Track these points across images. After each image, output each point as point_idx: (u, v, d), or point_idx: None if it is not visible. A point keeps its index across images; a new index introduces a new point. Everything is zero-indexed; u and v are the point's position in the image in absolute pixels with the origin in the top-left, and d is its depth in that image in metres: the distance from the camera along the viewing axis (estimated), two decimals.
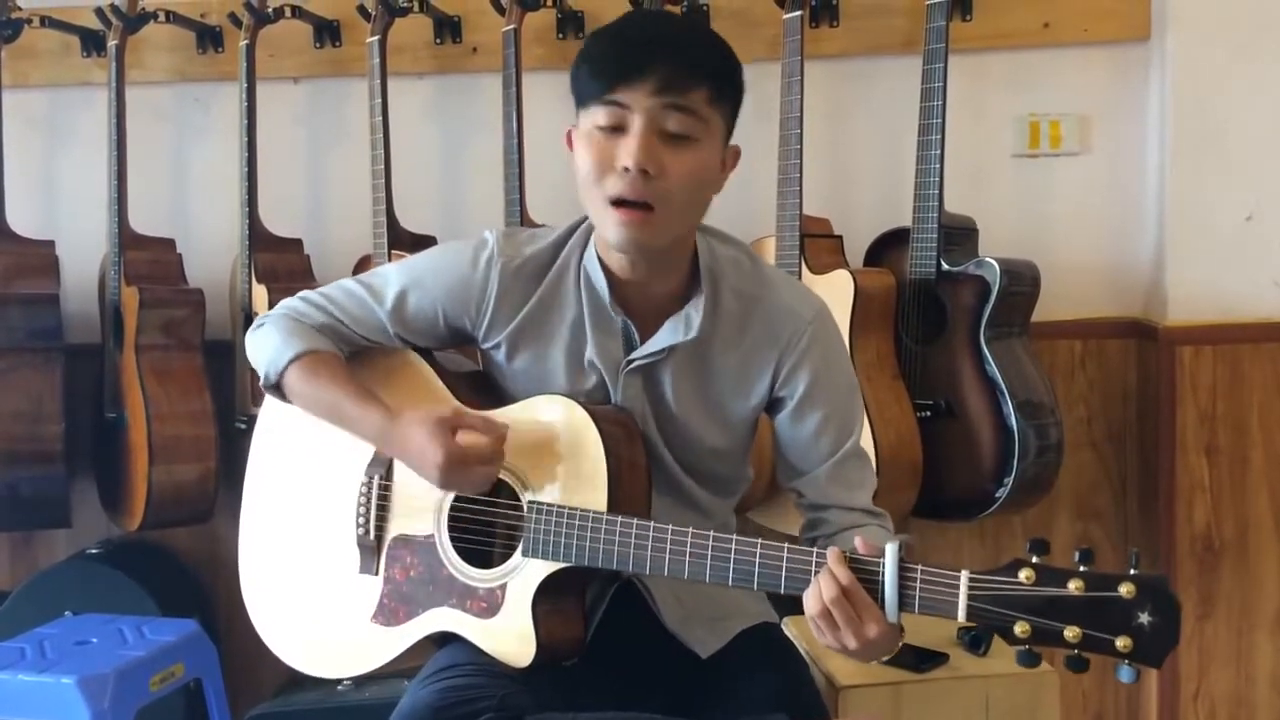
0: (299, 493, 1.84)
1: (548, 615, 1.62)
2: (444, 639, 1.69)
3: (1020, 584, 1.39)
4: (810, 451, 1.70)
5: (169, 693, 2.31)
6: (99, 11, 2.80)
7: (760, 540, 1.51)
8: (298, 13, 2.81)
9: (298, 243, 2.86)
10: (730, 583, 1.51)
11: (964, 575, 1.41)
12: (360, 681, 2.51)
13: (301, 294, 1.79)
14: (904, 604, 1.44)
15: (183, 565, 3.00)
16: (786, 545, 1.50)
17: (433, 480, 1.63)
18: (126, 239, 2.76)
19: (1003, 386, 2.44)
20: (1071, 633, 1.37)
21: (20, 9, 2.83)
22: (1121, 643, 1.35)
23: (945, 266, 2.50)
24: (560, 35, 2.81)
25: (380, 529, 1.75)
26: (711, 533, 1.54)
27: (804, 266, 2.50)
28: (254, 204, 2.77)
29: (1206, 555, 2.67)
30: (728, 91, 1.58)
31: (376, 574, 1.74)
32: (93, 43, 2.93)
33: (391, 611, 1.72)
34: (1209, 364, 2.65)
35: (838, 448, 1.70)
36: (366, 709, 2.47)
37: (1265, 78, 2.63)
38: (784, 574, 1.49)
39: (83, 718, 2.10)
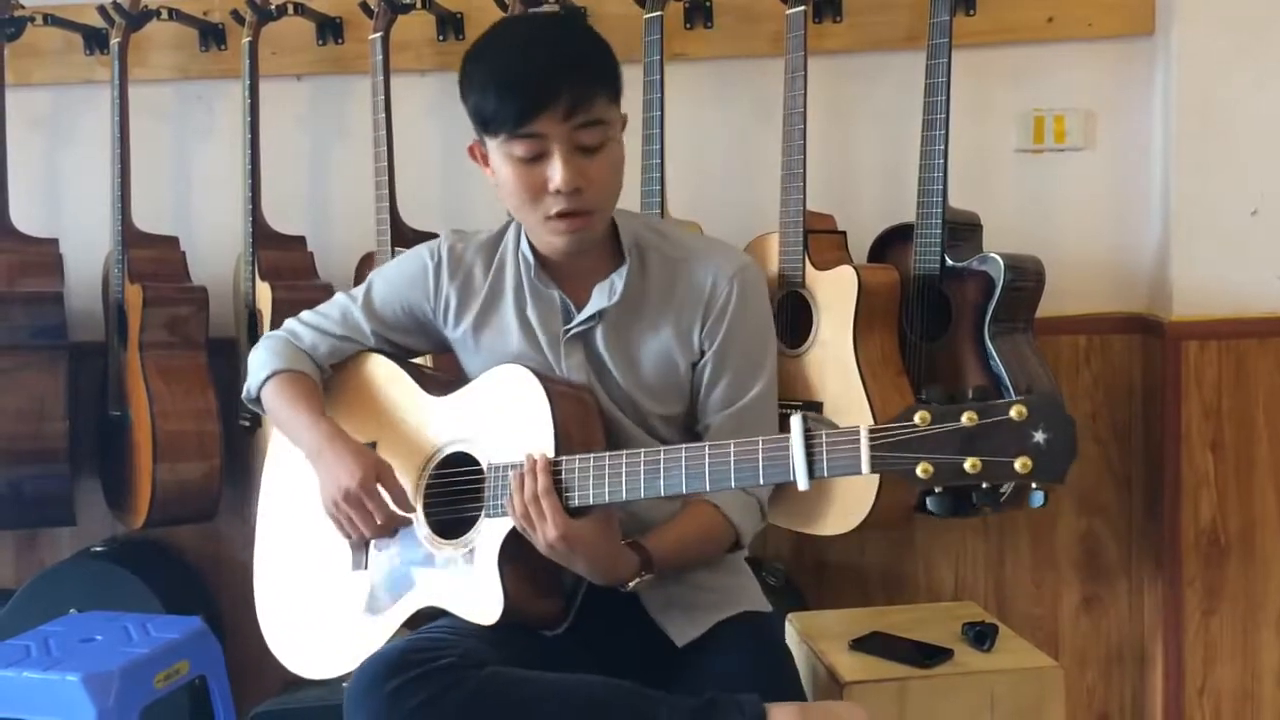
0: (299, 507, 1.88)
1: (514, 571, 1.66)
2: (428, 619, 1.72)
3: (916, 427, 1.40)
4: (711, 399, 1.80)
5: (174, 690, 2.31)
6: (102, 9, 2.80)
7: (707, 443, 1.57)
8: (300, 10, 2.81)
9: (301, 240, 2.86)
10: (685, 489, 1.56)
11: (863, 428, 1.43)
12: None
13: (301, 313, 1.94)
14: (814, 471, 1.47)
15: (187, 563, 3.00)
16: (732, 444, 1.54)
17: (330, 494, 1.73)
18: (130, 237, 2.76)
19: (1007, 382, 2.44)
20: (971, 464, 1.37)
21: (23, 7, 2.83)
22: (1020, 464, 1.36)
23: (949, 262, 2.50)
24: None
25: None
26: (657, 448, 1.59)
27: (808, 263, 2.50)
28: (257, 201, 2.77)
29: (1212, 551, 2.67)
30: (617, 85, 1.70)
31: (366, 569, 1.79)
32: (95, 41, 2.93)
33: (379, 601, 1.77)
34: (1214, 359, 2.65)
35: (736, 400, 1.79)
36: None
37: (1270, 72, 2.62)
38: (732, 466, 1.53)
39: (88, 715, 2.11)
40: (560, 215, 1.68)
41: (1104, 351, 2.81)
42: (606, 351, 1.78)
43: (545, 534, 1.59)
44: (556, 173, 1.64)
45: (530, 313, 1.80)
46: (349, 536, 1.77)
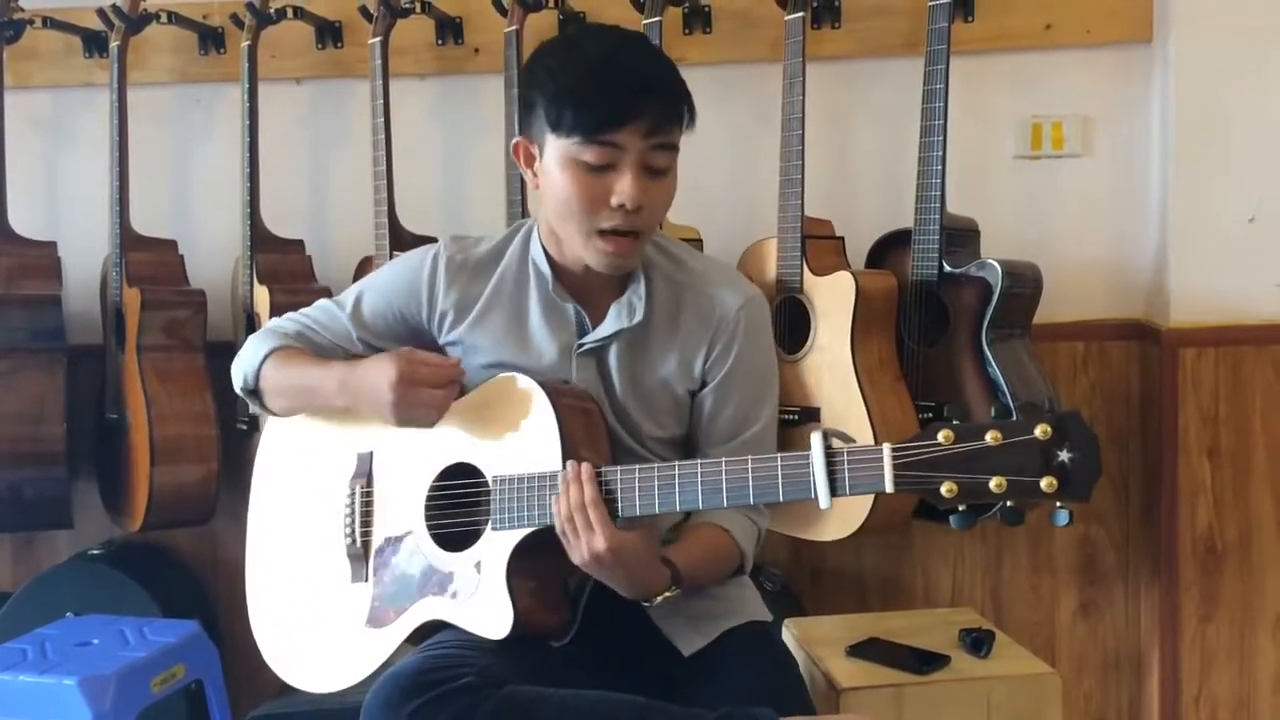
0: (294, 517, 1.88)
1: (522, 584, 1.64)
2: (431, 632, 1.71)
3: (940, 445, 1.40)
4: (714, 431, 1.79)
5: (170, 694, 2.31)
6: (101, 12, 2.80)
7: (724, 459, 1.55)
8: (300, 14, 2.81)
9: (299, 244, 2.86)
10: (701, 502, 1.55)
11: (886, 447, 1.43)
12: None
13: (285, 314, 1.91)
14: (835, 488, 1.46)
15: (184, 566, 3.00)
16: (750, 460, 1.53)
17: (385, 404, 1.68)
18: (128, 240, 2.76)
19: (1004, 388, 2.44)
20: (996, 483, 1.38)
21: (22, 10, 2.83)
22: (1046, 483, 1.36)
23: (947, 268, 2.50)
24: None
25: (366, 536, 1.79)
26: (674, 463, 1.58)
27: (805, 268, 2.50)
28: (256, 205, 2.77)
29: (1208, 557, 2.67)
30: (692, 117, 1.69)
31: (366, 581, 1.78)
32: (95, 44, 2.93)
33: (382, 614, 1.75)
34: (1211, 366, 2.65)
35: (738, 433, 1.79)
36: None
37: (1268, 79, 2.62)
38: (750, 483, 1.53)
39: (84, 719, 2.11)
40: (612, 232, 1.65)
41: (1101, 358, 2.81)
42: (615, 375, 1.76)
43: (592, 545, 1.55)
44: (626, 187, 1.61)
45: (537, 323, 1.77)
46: (431, 423, 1.71)
